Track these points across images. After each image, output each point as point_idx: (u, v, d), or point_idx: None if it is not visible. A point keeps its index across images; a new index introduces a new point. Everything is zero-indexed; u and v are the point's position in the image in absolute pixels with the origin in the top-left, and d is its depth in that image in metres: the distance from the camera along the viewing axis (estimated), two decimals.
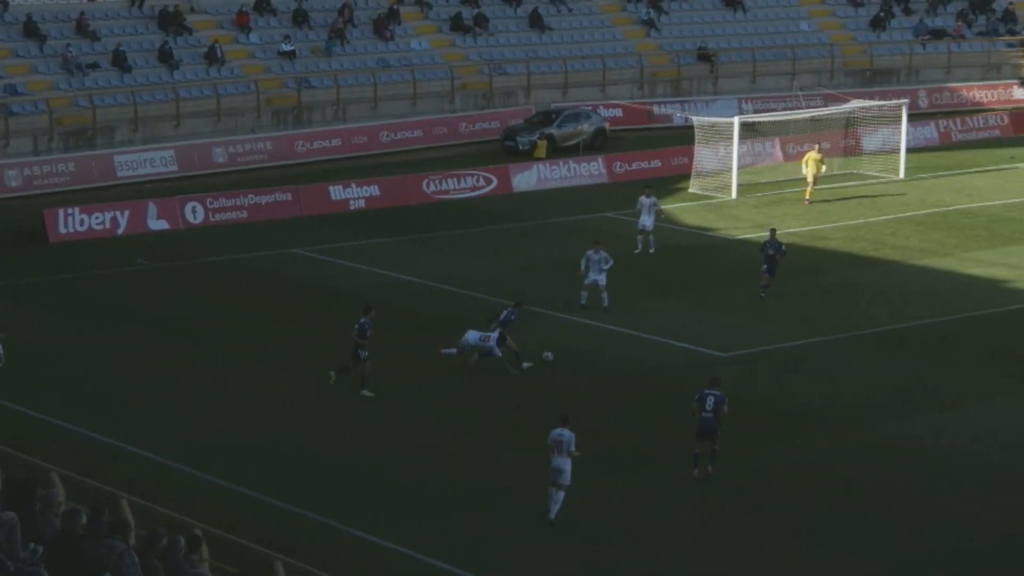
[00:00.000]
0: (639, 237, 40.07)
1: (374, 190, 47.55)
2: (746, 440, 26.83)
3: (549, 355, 31.18)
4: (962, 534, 23.65)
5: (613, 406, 29.13)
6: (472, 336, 30.57)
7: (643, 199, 40.11)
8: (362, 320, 29.27)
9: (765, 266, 35.88)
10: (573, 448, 23.17)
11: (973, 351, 32.21)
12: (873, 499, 24.79)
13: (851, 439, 27.40)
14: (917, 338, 33.21)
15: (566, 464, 23.17)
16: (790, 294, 36.36)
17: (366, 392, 29.20)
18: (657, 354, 32.21)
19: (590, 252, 34.84)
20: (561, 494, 23.29)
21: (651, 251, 39.85)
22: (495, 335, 30.36)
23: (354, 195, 47.17)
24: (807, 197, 46.39)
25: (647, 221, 39.83)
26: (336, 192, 47.00)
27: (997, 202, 46.26)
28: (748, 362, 31.77)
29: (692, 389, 26.37)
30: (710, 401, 25.21)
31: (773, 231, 37.15)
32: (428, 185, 48.05)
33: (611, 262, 34.53)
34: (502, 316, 31.03)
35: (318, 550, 22.24)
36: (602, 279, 34.51)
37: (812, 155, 46.68)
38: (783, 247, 36.24)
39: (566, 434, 23.30)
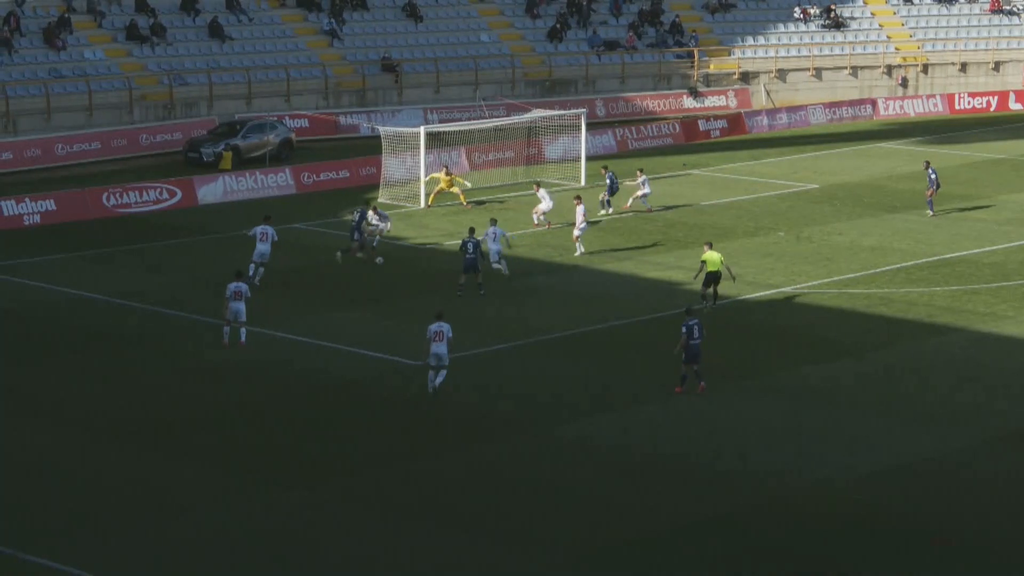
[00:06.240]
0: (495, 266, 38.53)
1: (50, 204, 45.82)
2: (432, 444, 27.18)
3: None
4: (641, 526, 24.24)
5: (303, 417, 28.91)
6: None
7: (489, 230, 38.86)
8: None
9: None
10: (451, 335, 29.16)
11: (647, 352, 33.23)
12: (548, 497, 25.20)
13: (533, 441, 27.82)
14: (598, 341, 34.13)
15: (445, 348, 29.05)
16: (480, 301, 36.84)
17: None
18: (350, 364, 32.07)
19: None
20: (444, 372, 29.13)
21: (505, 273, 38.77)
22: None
23: (29, 210, 45.33)
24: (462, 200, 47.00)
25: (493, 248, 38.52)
26: (8, 207, 45.04)
27: (671, 208, 48.06)
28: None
29: (388, 399, 26.16)
30: (695, 330, 29.53)
31: (472, 230, 37.95)
32: (109, 199, 46.58)
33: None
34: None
35: None
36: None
37: (436, 175, 47.40)
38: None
39: (444, 325, 29.17)
